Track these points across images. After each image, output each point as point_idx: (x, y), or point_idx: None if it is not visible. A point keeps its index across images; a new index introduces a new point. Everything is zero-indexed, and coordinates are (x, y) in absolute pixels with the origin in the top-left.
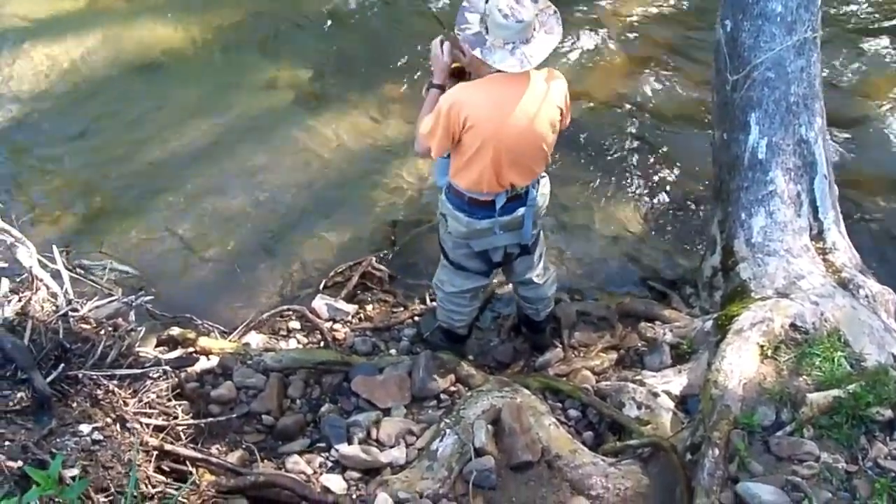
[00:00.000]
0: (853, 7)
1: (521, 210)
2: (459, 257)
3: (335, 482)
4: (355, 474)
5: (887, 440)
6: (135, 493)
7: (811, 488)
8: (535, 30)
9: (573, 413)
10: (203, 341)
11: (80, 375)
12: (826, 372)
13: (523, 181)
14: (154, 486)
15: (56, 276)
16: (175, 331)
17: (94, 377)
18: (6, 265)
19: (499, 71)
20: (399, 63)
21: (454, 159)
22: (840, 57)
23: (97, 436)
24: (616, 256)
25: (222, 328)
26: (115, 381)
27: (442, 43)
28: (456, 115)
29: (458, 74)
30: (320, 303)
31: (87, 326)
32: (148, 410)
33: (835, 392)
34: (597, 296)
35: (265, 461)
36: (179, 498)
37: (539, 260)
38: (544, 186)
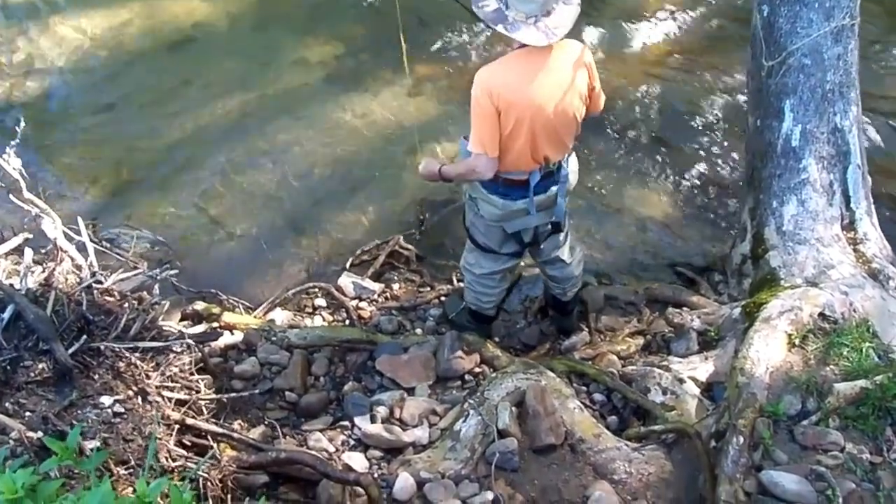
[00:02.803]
0: None
1: (555, 188)
2: (490, 241)
3: (357, 460)
4: (377, 453)
5: None
6: (153, 466)
7: (835, 478)
8: (555, 2)
9: (598, 397)
10: (228, 317)
11: (103, 347)
12: (854, 362)
13: (557, 155)
14: (175, 460)
15: (81, 248)
16: (200, 305)
17: (117, 349)
18: (31, 236)
19: (521, 46)
20: (431, 41)
21: None
22: (875, 45)
23: (118, 408)
24: (645, 242)
25: (247, 304)
26: (137, 354)
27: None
28: (490, 94)
29: None
30: (346, 281)
31: (111, 299)
32: (170, 384)
33: (862, 383)
34: (625, 280)
35: (287, 438)
36: (199, 472)
37: (566, 239)
38: (573, 163)
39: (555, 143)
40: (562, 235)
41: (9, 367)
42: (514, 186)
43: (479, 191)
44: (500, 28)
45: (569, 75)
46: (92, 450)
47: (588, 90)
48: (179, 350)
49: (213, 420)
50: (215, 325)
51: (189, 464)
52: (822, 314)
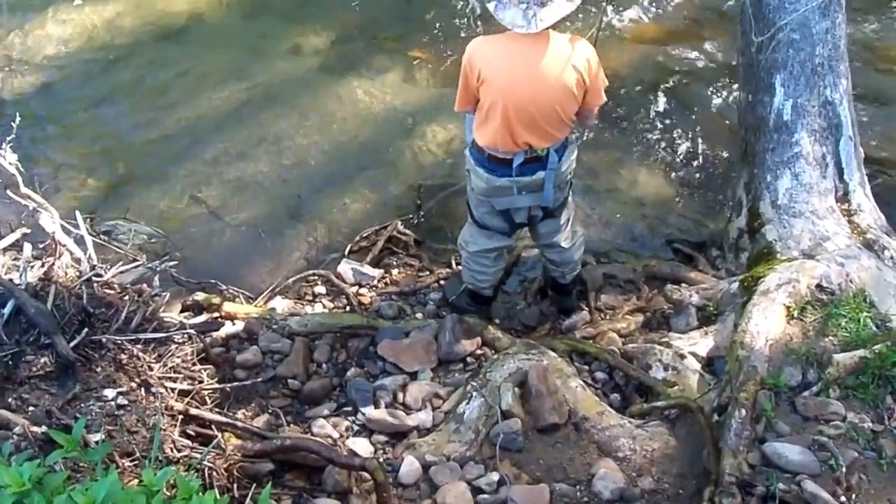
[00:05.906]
0: None
1: (542, 173)
2: (483, 215)
3: (362, 446)
4: (382, 438)
5: None
6: (158, 457)
7: (837, 448)
8: None
9: (600, 375)
10: (228, 306)
11: (104, 340)
12: (852, 332)
13: (540, 143)
14: (180, 451)
15: (80, 241)
16: (200, 296)
17: (119, 342)
18: (29, 231)
19: None
20: (424, 27)
21: (476, 115)
22: (864, 19)
23: (122, 400)
24: (642, 219)
25: (248, 293)
26: (139, 346)
27: None
28: (472, 66)
29: None
30: (346, 267)
31: (112, 291)
32: (173, 375)
33: (860, 352)
34: (623, 258)
35: (291, 425)
36: (204, 461)
37: (566, 224)
38: (571, 153)
39: (534, 130)
40: (561, 220)
41: (11, 362)
42: (499, 163)
43: (469, 161)
44: (490, 6)
45: (553, 69)
46: (96, 442)
47: (578, 87)
48: (181, 341)
49: (217, 410)
50: (216, 315)
51: (194, 454)
52: (819, 286)
